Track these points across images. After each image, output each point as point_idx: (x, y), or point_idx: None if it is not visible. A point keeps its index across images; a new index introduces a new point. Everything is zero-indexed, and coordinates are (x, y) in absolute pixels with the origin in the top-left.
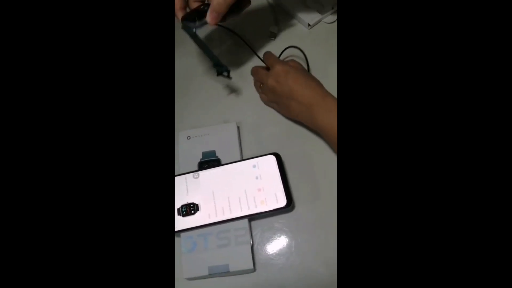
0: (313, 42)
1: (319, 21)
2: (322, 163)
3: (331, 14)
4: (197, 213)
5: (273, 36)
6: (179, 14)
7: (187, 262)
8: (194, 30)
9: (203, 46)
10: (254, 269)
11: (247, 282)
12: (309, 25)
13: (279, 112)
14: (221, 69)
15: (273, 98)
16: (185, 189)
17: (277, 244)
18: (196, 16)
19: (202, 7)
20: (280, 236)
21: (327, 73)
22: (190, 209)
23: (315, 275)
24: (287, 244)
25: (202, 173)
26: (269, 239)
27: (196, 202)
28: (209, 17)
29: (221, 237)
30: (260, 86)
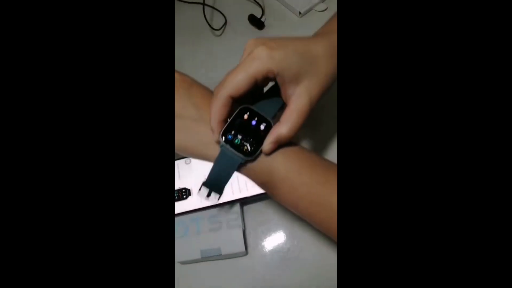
0: (305, 31)
1: (310, 9)
2: (315, 149)
3: (322, 2)
4: (189, 198)
5: (257, 24)
6: (216, 127)
7: (180, 246)
8: (241, 162)
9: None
10: (246, 252)
11: (239, 265)
12: (300, 13)
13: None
14: (217, 191)
15: None
16: (177, 175)
17: (269, 228)
18: (238, 131)
19: (247, 116)
20: (271, 220)
21: None
22: (182, 194)
23: (306, 257)
24: (278, 228)
25: None
26: (261, 223)
27: (188, 187)
28: (268, 145)
29: (213, 221)
30: None
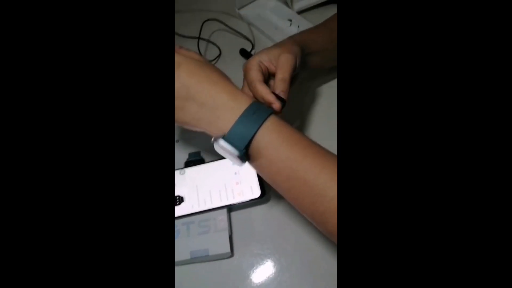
0: None
1: None
2: None
3: None
4: (182, 204)
5: (247, 56)
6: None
7: None
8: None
9: None
10: (231, 254)
11: (225, 266)
12: None
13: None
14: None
15: None
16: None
17: (253, 232)
18: None
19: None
20: (256, 225)
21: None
22: (176, 200)
23: (289, 259)
24: (262, 232)
25: (188, 170)
26: (246, 228)
27: (181, 194)
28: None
29: (202, 225)
30: None
